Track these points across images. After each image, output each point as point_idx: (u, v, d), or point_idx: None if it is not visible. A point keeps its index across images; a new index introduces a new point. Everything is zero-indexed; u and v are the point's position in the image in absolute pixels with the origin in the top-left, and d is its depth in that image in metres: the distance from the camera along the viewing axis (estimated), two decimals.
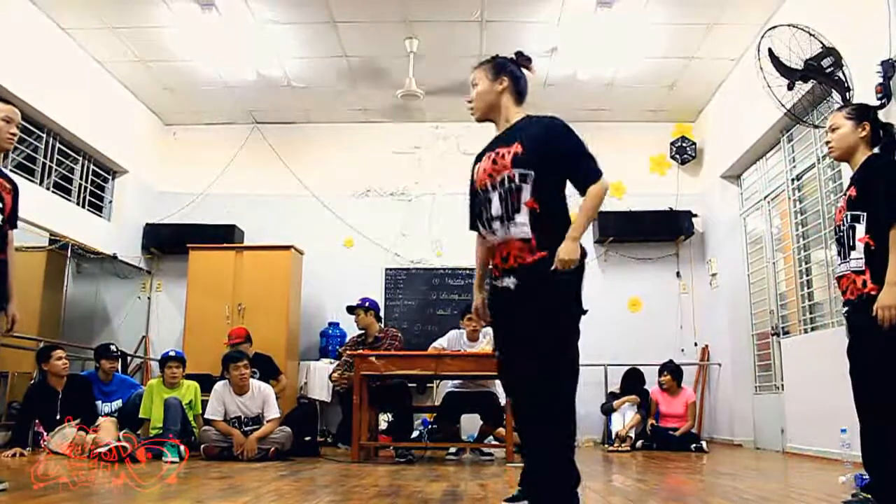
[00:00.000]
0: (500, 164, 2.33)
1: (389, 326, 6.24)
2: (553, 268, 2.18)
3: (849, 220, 2.71)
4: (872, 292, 2.57)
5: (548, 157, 2.29)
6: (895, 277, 2.49)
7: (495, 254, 2.38)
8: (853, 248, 2.67)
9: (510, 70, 2.48)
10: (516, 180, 2.28)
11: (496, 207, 2.33)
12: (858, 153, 2.79)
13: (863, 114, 2.82)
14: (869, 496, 2.59)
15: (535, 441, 2.31)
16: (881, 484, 2.57)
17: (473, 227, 2.55)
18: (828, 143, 2.89)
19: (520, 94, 2.48)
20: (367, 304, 5.84)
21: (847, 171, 3.16)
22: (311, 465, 4.56)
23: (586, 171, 2.30)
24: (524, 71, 2.52)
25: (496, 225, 2.33)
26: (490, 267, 2.44)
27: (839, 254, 2.77)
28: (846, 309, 2.75)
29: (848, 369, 2.68)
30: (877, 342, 2.54)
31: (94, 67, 6.71)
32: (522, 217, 2.27)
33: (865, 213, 2.65)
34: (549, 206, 2.29)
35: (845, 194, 2.79)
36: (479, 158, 2.49)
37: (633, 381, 6.53)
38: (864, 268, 2.63)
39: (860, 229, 2.67)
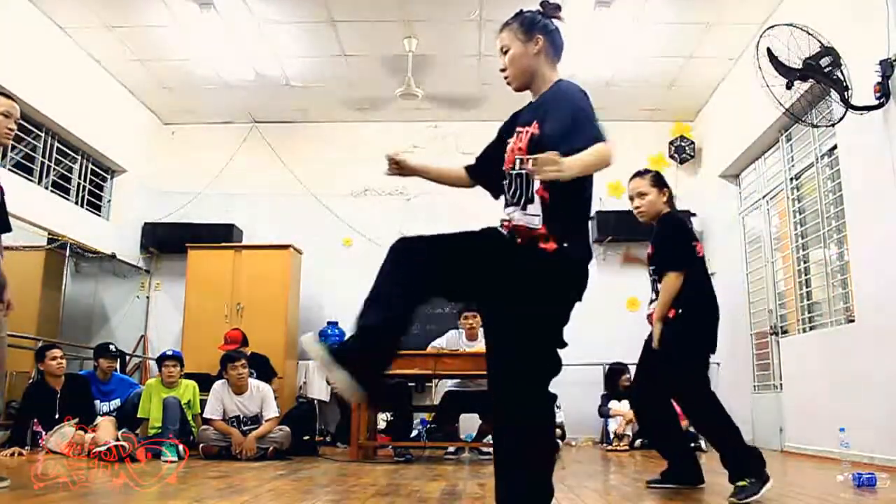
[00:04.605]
0: (516, 147, 2.01)
1: None
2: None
3: (652, 274, 3.32)
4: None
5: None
6: (659, 315, 3.19)
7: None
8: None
9: (542, 25, 2.05)
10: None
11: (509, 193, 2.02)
12: (662, 215, 3.28)
13: (663, 180, 3.30)
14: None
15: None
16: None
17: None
18: (637, 207, 3.29)
19: (557, 51, 2.09)
20: None
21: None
22: (310, 465, 4.57)
23: (586, 138, 1.87)
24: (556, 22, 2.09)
25: (509, 210, 2.03)
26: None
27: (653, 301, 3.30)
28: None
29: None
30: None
31: (93, 66, 6.70)
32: (535, 208, 1.93)
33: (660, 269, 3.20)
34: (563, 192, 1.88)
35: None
36: (509, 127, 2.13)
37: (616, 378, 6.60)
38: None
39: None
